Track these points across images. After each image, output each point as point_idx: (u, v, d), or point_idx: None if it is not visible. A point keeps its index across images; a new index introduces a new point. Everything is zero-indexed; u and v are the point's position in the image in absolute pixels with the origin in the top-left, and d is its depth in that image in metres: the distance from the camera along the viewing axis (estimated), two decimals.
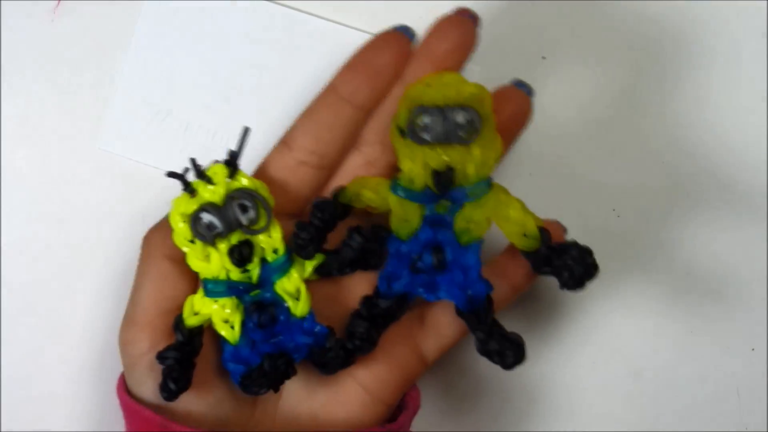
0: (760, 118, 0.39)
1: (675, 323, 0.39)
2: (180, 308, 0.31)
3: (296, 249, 0.31)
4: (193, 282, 0.32)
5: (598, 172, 0.38)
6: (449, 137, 0.29)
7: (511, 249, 0.34)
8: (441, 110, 0.29)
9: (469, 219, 0.31)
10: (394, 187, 0.31)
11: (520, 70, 0.38)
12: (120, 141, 0.39)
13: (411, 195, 0.31)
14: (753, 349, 0.39)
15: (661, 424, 0.39)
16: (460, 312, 0.32)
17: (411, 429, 0.34)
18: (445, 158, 0.30)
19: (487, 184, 0.31)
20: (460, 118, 0.29)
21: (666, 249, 0.39)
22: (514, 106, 0.33)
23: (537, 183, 0.39)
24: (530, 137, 0.38)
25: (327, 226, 0.31)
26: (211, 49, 0.39)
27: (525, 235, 0.31)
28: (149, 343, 0.31)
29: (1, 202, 0.39)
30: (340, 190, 0.32)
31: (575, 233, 0.38)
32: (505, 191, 0.32)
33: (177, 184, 0.39)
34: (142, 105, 0.39)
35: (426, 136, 0.30)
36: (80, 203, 0.39)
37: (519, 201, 0.32)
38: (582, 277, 0.31)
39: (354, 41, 0.38)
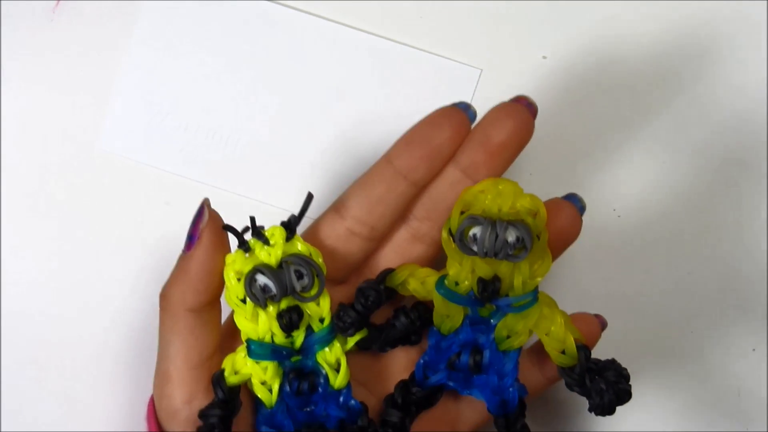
0: (760, 117, 0.39)
1: (675, 323, 0.39)
2: (209, 358, 0.32)
3: (337, 329, 0.31)
4: (217, 330, 0.32)
5: (598, 172, 0.38)
6: (498, 254, 0.28)
7: None
8: (492, 224, 0.28)
9: (511, 329, 0.31)
10: (440, 285, 0.31)
11: (520, 70, 0.38)
12: (120, 141, 0.39)
13: (454, 298, 0.30)
14: (753, 350, 0.39)
15: (662, 425, 0.39)
16: (490, 411, 0.32)
17: None
18: (493, 269, 0.30)
19: (533, 297, 0.30)
20: (511, 236, 0.28)
21: (666, 249, 0.39)
22: (564, 221, 0.32)
23: (537, 183, 0.39)
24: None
25: (370, 311, 0.31)
26: (211, 49, 0.39)
27: (563, 352, 0.31)
28: (185, 397, 0.31)
29: (1, 202, 0.39)
30: (388, 275, 0.32)
31: None
32: (551, 304, 0.31)
33: (176, 186, 0.39)
34: (142, 105, 0.39)
35: (474, 248, 0.29)
36: (80, 203, 0.39)
37: (563, 315, 0.31)
38: (612, 404, 0.30)
39: (354, 41, 0.38)
